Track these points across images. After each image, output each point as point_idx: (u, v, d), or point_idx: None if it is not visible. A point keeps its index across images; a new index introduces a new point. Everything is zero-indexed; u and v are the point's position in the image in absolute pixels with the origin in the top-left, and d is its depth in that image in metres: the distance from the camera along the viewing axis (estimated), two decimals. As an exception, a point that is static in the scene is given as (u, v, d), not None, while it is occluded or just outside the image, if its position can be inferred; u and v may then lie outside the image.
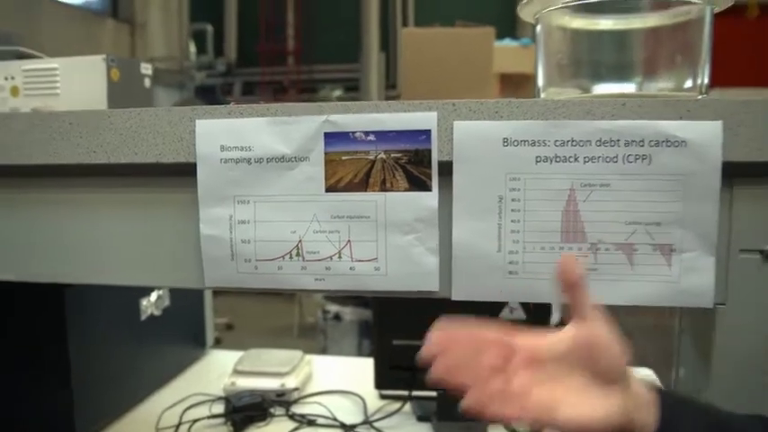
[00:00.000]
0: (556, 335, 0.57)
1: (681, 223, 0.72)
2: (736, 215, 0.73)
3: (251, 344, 1.66)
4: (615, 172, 0.72)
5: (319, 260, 0.77)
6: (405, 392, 1.37)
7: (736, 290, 0.74)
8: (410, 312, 1.35)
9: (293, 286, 0.78)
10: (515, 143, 0.73)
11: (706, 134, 0.70)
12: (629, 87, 0.83)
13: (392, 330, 1.35)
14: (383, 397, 1.45)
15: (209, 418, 1.33)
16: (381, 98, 9.65)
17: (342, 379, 1.54)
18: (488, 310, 1.30)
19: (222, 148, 0.77)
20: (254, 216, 0.78)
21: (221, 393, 1.43)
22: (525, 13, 0.85)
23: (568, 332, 0.57)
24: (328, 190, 0.76)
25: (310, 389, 1.49)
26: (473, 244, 0.75)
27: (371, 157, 0.75)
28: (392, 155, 0.75)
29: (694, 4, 0.77)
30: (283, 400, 1.41)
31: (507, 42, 4.10)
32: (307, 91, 9.92)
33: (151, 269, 0.82)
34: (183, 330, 1.61)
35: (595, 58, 0.86)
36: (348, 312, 3.88)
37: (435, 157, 0.74)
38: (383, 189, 0.75)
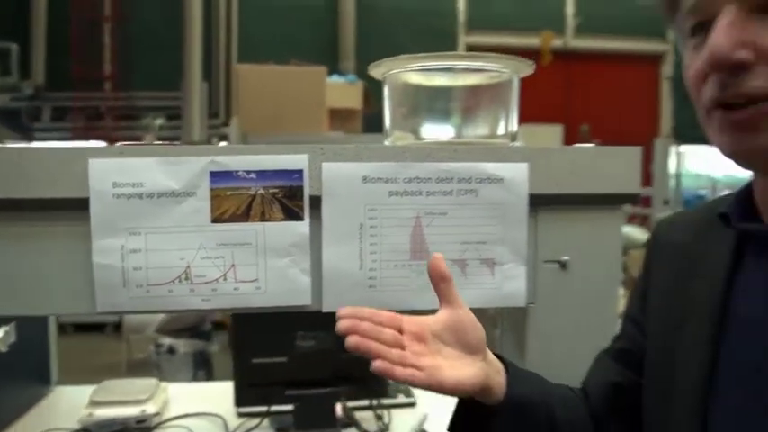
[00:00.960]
0: (432, 317, 0.73)
1: (500, 242, 0.93)
2: (540, 234, 0.95)
3: (83, 381, 1.67)
4: (451, 203, 0.91)
5: (206, 282, 0.88)
6: (263, 408, 1.47)
7: (542, 291, 0.96)
8: (266, 333, 1.47)
9: (183, 307, 0.88)
10: (372, 181, 0.90)
11: (516, 173, 0.92)
12: (454, 133, 1.03)
13: (250, 350, 1.45)
14: (241, 415, 1.53)
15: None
16: (204, 128, 9.48)
17: (199, 402, 1.60)
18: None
19: (114, 184, 0.85)
20: (145, 245, 0.87)
21: (77, 426, 1.43)
22: (375, 72, 1.02)
23: (441, 315, 0.73)
24: (214, 221, 0.87)
25: (169, 414, 1.54)
26: (339, 264, 0.90)
27: (252, 193, 0.87)
28: (270, 190, 0.88)
29: (503, 72, 0.99)
30: (144, 426, 1.45)
31: (335, 78, 4.34)
32: (125, 118, 9.49)
33: (43, 298, 0.87)
34: (29, 367, 1.59)
35: (429, 108, 1.06)
36: (182, 345, 3.84)
37: (307, 193, 0.89)
38: (262, 219, 0.88)
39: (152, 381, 1.60)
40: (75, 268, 0.87)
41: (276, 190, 0.88)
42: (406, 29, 10.52)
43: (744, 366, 0.61)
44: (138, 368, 4.79)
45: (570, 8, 10.92)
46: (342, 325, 0.69)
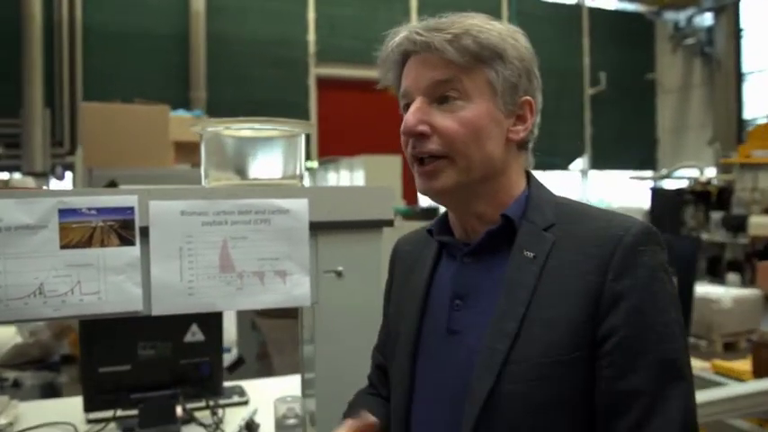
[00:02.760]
0: None
1: (289, 258, 1.25)
2: (320, 251, 1.29)
3: None
4: (250, 229, 1.22)
5: (57, 296, 1.13)
6: (111, 413, 1.69)
7: (323, 294, 1.30)
8: (110, 343, 1.70)
9: (37, 316, 1.12)
10: (188, 214, 1.19)
11: (299, 206, 1.25)
12: (260, 173, 1.34)
13: (97, 360, 1.67)
14: (90, 421, 1.74)
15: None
16: (47, 156, 9.16)
17: (50, 416, 1.78)
18: (174, 329, 1.72)
19: (-22, 221, 1.09)
20: (4, 268, 1.10)
21: (-70, 440, 1.58)
22: (195, 129, 1.32)
23: None
24: (63, 247, 1.13)
25: (21, 426, 1.71)
26: (164, 277, 1.19)
27: (93, 225, 1.14)
28: (108, 223, 1.15)
29: (291, 132, 1.32)
30: (-4, 435, 1.62)
31: (181, 113, 4.53)
32: (-43, 147, 8.96)
33: None
34: None
35: (234, 155, 1.37)
36: (29, 377, 3.82)
37: (137, 224, 1.17)
38: (102, 245, 1.15)
39: (3, 397, 1.76)
40: (-56, 289, 1.09)
41: (113, 222, 1.15)
42: (256, 59, 10.77)
43: (435, 329, 0.97)
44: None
45: (413, 44, 11.71)
46: None
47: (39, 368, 3.99)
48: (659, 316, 0.82)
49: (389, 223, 1.34)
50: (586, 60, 13.24)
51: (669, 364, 0.81)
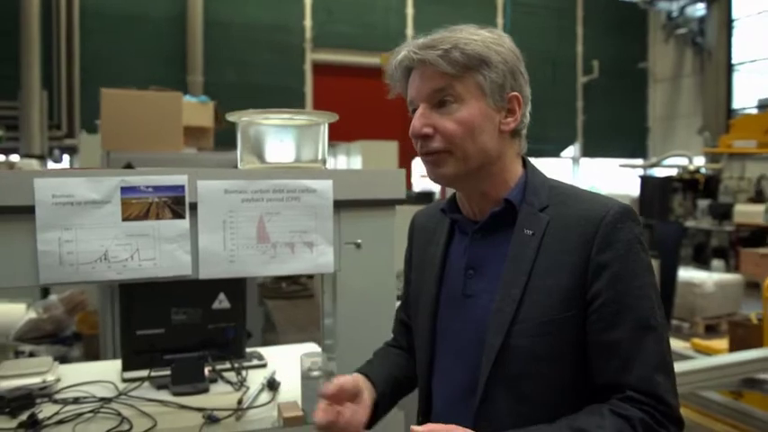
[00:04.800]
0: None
1: (315, 231, 1.44)
2: (342, 225, 1.48)
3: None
4: (283, 206, 1.41)
5: (119, 261, 1.31)
6: (145, 373, 1.87)
7: (344, 263, 1.49)
8: (147, 310, 1.88)
9: (103, 278, 1.31)
10: (231, 192, 1.38)
11: (325, 186, 1.44)
12: (288, 157, 1.53)
13: (135, 324, 1.86)
14: (125, 380, 1.92)
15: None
16: (45, 138, 9.24)
17: (84, 378, 1.95)
18: (204, 297, 1.90)
19: (53, 196, 1.27)
20: (75, 237, 1.29)
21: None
22: (231, 117, 1.50)
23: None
24: (124, 220, 1.31)
25: (64, 384, 1.89)
26: (210, 247, 1.37)
27: (150, 200, 1.33)
28: (162, 199, 1.33)
29: (316, 121, 1.51)
30: (46, 392, 1.79)
31: (188, 98, 4.68)
32: (-44, 128, 9.03)
33: (1, 272, 1.26)
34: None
35: (268, 141, 1.55)
36: (43, 351, 4.00)
37: (187, 200, 1.35)
38: (157, 218, 1.33)
39: (47, 358, 1.94)
40: (20, 252, 1.27)
41: (166, 198, 1.34)
42: (253, 44, 10.87)
43: (453, 293, 1.15)
44: None
45: (410, 31, 11.85)
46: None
47: (53, 342, 4.18)
48: (635, 280, 1.01)
49: (402, 202, 1.53)
50: (580, 49, 13.42)
51: (643, 319, 1.00)
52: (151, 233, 1.33)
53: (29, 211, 1.26)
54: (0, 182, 1.25)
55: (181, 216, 1.35)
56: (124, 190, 1.31)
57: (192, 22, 10.51)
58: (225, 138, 5.85)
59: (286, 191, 1.41)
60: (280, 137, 1.52)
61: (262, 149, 1.52)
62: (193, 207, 1.36)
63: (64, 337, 4.27)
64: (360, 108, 10.27)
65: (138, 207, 1.32)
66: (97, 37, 9.89)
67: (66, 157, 9.33)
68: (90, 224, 1.30)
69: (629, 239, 1.02)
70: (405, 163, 8.19)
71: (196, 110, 4.54)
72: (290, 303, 7.09)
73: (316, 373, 1.49)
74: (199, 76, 10.50)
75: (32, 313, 3.98)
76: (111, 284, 1.73)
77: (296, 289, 9.66)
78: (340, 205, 1.46)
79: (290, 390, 1.69)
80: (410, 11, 11.87)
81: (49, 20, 9.44)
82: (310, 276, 9.03)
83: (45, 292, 4.29)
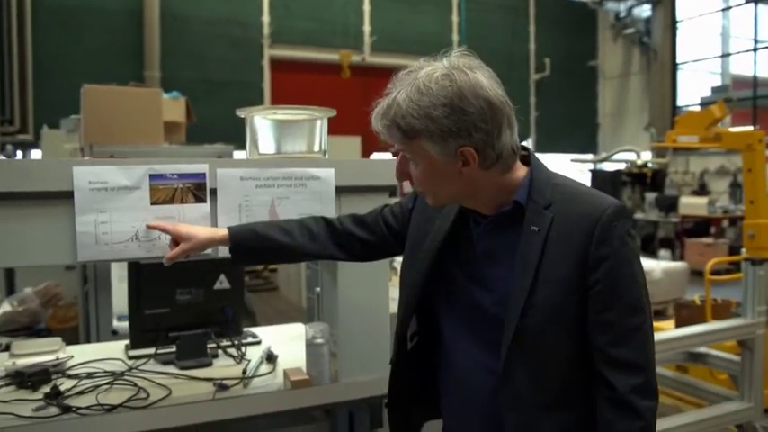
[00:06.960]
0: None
1: (320, 213, 1.61)
2: (343, 209, 1.66)
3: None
4: (291, 192, 1.59)
5: (149, 241, 1.47)
6: (152, 351, 2.02)
7: (344, 242, 1.67)
8: (154, 290, 2.03)
9: (134, 256, 1.46)
10: (246, 179, 1.55)
11: (328, 174, 1.62)
12: (298, 148, 1.70)
13: (143, 304, 2.00)
14: (130, 358, 2.06)
15: (7, 385, 1.79)
16: (-4, 134, 9.01)
17: (95, 355, 2.08)
18: (206, 278, 2.05)
19: (90, 182, 1.42)
20: (109, 219, 1.44)
21: (3, 373, 1.87)
22: (241, 113, 1.66)
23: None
24: (152, 204, 1.47)
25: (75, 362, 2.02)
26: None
27: (175, 186, 1.48)
28: (186, 185, 1.49)
29: (317, 115, 1.68)
30: (59, 369, 1.92)
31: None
32: None
33: (45, 251, 1.41)
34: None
35: (272, 134, 1.72)
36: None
37: (208, 186, 1.51)
38: (182, 202, 1.49)
39: (57, 338, 2.06)
40: (61, 233, 1.42)
41: (190, 185, 1.50)
42: (211, 39, 10.84)
43: (467, 277, 1.28)
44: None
45: (367, 27, 12.02)
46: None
47: (28, 334, 4.23)
48: (626, 268, 1.18)
49: (394, 189, 1.72)
50: (532, 46, 13.81)
51: (633, 302, 1.19)
52: (177, 215, 1.49)
53: (67, 196, 1.41)
54: (42, 169, 1.39)
55: (202, 200, 1.51)
56: (152, 177, 1.47)
57: (149, 15, 10.43)
58: (194, 132, 5.94)
59: (294, 178, 1.58)
60: (284, 130, 1.69)
61: (268, 141, 1.69)
62: (213, 192, 1.52)
63: (39, 329, 4.32)
64: (319, 104, 10.28)
65: (164, 192, 1.48)
66: (51, 30, 9.72)
67: (19, 153, 9.17)
68: (122, 207, 1.45)
69: (622, 234, 1.18)
70: (366, 156, 8.36)
71: (169, 105, 4.64)
72: (254, 295, 7.22)
73: (319, 341, 1.67)
74: (156, 71, 10.43)
75: (7, 306, 4.03)
76: (136, 260, 1.86)
77: (258, 282, 9.74)
78: (341, 191, 1.65)
79: (287, 362, 1.86)
80: (367, 8, 12.02)
81: (0, 13, 9.22)
82: (273, 270, 9.13)
83: (11, 287, 4.33)
